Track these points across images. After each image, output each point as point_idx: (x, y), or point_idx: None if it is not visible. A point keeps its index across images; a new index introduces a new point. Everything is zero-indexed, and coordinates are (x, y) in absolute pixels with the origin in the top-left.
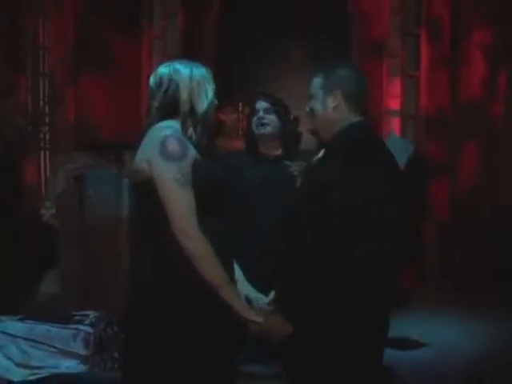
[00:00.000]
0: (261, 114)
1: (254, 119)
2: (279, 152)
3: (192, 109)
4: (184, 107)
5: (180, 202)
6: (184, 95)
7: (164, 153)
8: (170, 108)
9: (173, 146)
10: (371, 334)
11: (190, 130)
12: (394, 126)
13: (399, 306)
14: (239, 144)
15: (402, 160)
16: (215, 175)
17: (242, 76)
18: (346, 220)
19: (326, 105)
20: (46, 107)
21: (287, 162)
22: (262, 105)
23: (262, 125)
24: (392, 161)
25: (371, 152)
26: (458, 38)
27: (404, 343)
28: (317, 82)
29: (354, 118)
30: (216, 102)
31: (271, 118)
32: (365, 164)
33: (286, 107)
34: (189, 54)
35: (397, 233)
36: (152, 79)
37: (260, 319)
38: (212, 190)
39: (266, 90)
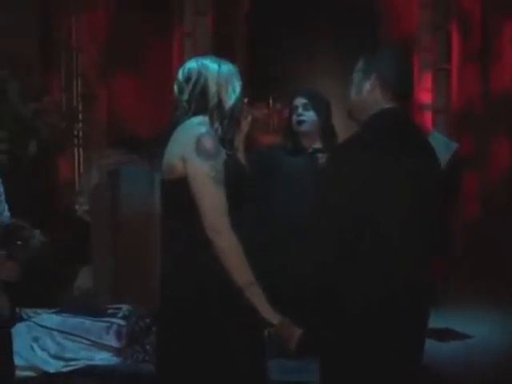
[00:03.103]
0: (300, 110)
1: (294, 116)
2: (318, 145)
3: (220, 103)
4: (212, 101)
5: (214, 200)
6: (212, 89)
7: (200, 151)
8: (199, 102)
9: (208, 144)
10: (398, 331)
11: (217, 125)
12: (426, 120)
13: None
14: (270, 139)
15: (443, 159)
16: (242, 172)
17: (272, 74)
18: (357, 210)
19: (360, 88)
20: (80, 105)
21: (319, 154)
22: (300, 101)
23: (301, 122)
24: (426, 155)
25: (394, 141)
26: (490, 32)
27: (445, 334)
28: (358, 65)
29: (387, 105)
30: (244, 98)
31: (309, 115)
32: (378, 153)
33: (326, 100)
34: (219, 51)
35: (419, 229)
36: (180, 73)
37: (276, 322)
38: (239, 187)
39: (303, 86)
